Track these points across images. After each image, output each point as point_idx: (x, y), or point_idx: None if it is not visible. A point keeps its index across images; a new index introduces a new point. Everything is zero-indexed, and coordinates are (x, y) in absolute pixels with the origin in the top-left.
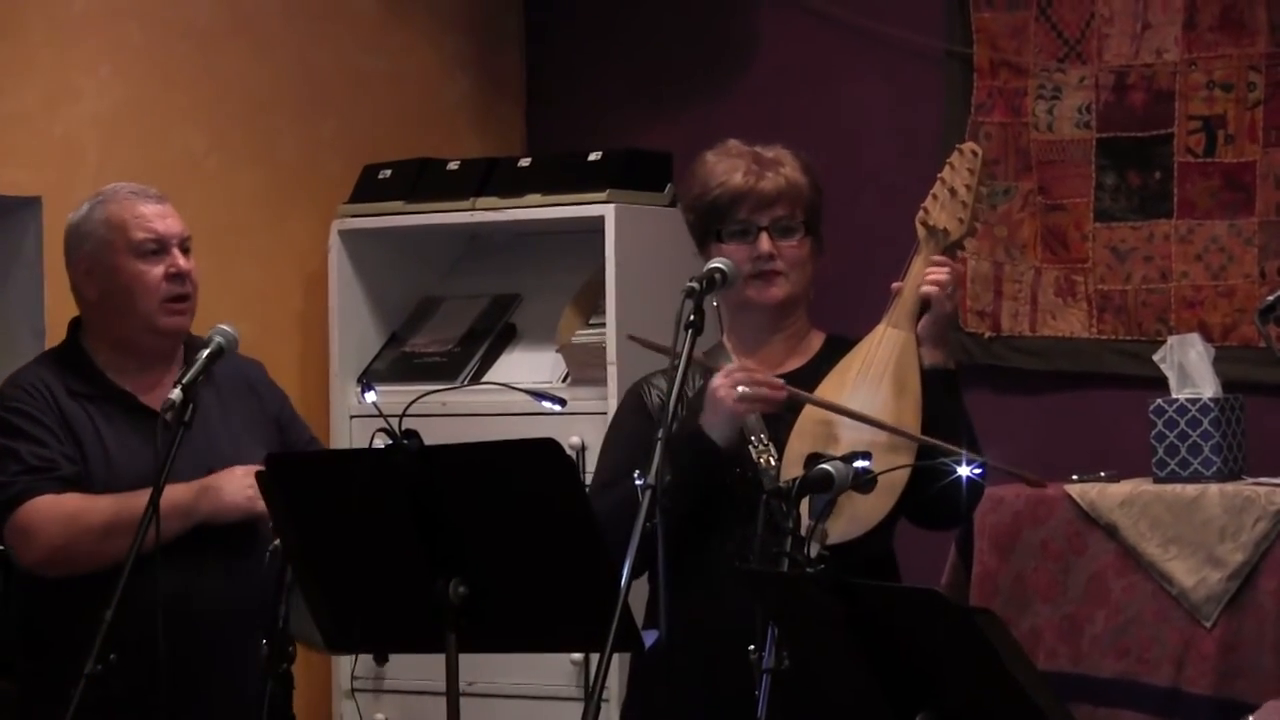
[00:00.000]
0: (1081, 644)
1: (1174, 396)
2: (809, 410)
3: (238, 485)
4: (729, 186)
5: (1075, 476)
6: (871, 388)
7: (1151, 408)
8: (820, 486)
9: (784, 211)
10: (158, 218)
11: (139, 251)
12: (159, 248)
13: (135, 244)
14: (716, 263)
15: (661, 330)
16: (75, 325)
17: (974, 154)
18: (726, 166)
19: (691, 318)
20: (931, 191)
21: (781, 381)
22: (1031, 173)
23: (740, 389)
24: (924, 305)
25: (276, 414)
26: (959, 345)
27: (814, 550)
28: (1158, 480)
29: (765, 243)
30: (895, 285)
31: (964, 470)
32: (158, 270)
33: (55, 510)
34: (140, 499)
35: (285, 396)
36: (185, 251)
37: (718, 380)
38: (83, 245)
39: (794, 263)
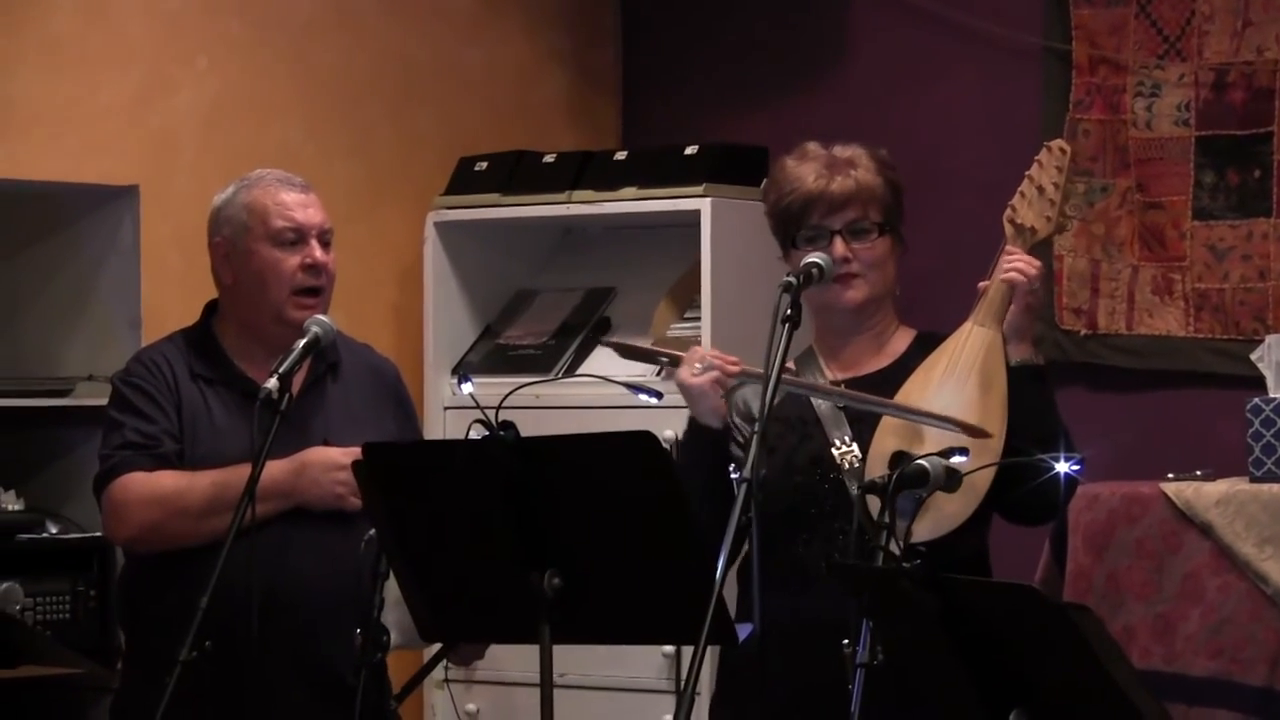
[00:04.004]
0: (1175, 643)
1: (1271, 395)
2: None
3: (329, 477)
4: (800, 192)
5: (1171, 475)
6: (957, 386)
7: (1248, 407)
8: (916, 482)
9: (856, 214)
10: (299, 207)
11: (277, 240)
12: (297, 237)
13: (274, 232)
14: (814, 257)
15: (759, 324)
16: (210, 308)
17: (1062, 151)
18: (800, 171)
19: (789, 312)
20: (1019, 189)
21: (736, 358)
22: (1130, 170)
23: (698, 366)
24: (1010, 301)
25: (397, 404)
26: (1054, 343)
27: (895, 549)
28: (1254, 479)
29: (839, 246)
30: (981, 284)
31: (1062, 466)
32: (293, 260)
33: (147, 488)
34: (238, 478)
35: (410, 399)
36: (325, 244)
37: (680, 372)
38: (222, 229)
39: (871, 264)
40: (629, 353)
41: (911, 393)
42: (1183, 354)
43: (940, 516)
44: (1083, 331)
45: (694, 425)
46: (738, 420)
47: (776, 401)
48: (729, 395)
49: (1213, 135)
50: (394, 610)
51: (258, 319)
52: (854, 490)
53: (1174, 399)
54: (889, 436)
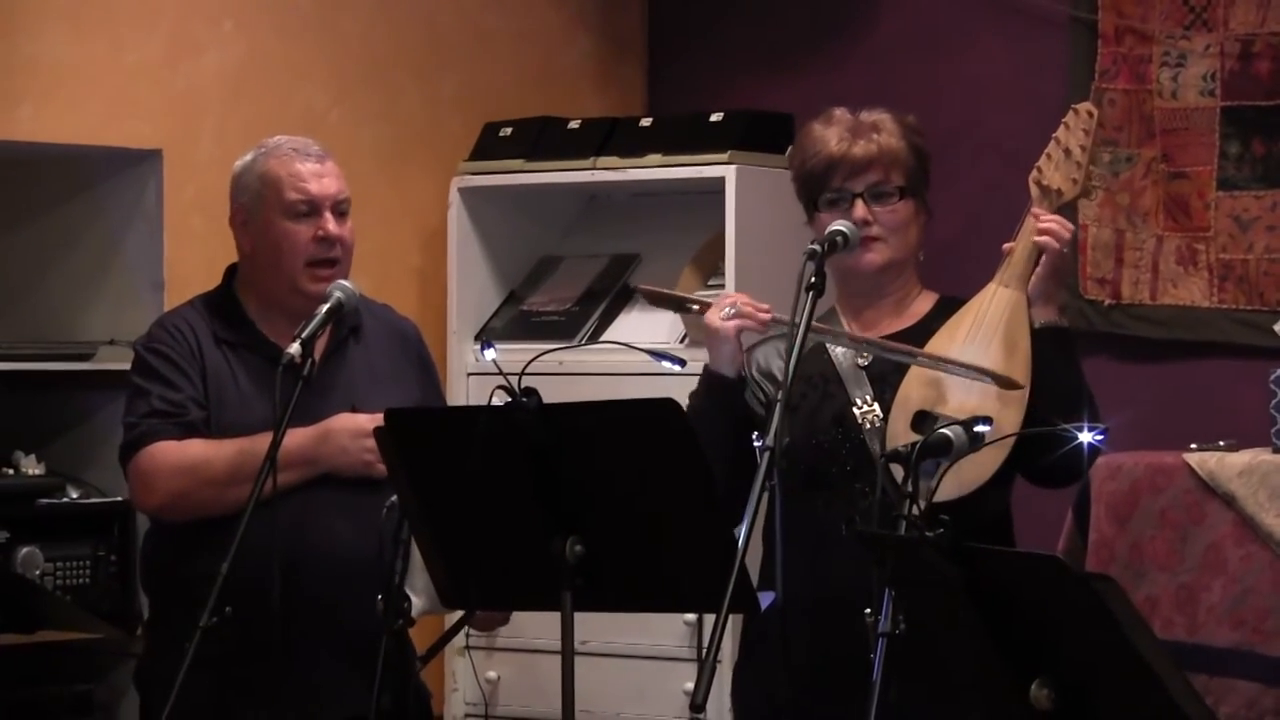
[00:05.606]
0: (1198, 614)
1: None
2: (916, 370)
3: (357, 444)
4: (822, 155)
5: (1194, 445)
6: (981, 346)
7: (1272, 377)
8: (939, 451)
9: (878, 177)
10: (313, 178)
11: (290, 212)
12: (310, 209)
13: (287, 204)
14: (838, 224)
15: (784, 292)
16: (231, 271)
17: (1089, 115)
18: (824, 135)
19: (813, 279)
20: (1046, 151)
21: (768, 306)
22: (1155, 140)
23: (727, 310)
24: (1035, 263)
25: (419, 364)
26: (1078, 312)
27: (914, 510)
28: (1277, 450)
29: (860, 209)
30: (1006, 246)
31: (1086, 436)
32: (307, 232)
33: (175, 457)
34: (263, 446)
35: (431, 359)
36: (341, 215)
37: (709, 315)
38: (240, 197)
39: (892, 227)
40: (657, 299)
41: (936, 351)
42: (1206, 324)
43: (962, 477)
44: (1107, 301)
45: (708, 373)
46: (757, 375)
47: (805, 352)
48: (750, 351)
49: (1238, 106)
50: (420, 575)
51: (275, 288)
52: (875, 450)
53: (1197, 369)
54: (912, 395)
